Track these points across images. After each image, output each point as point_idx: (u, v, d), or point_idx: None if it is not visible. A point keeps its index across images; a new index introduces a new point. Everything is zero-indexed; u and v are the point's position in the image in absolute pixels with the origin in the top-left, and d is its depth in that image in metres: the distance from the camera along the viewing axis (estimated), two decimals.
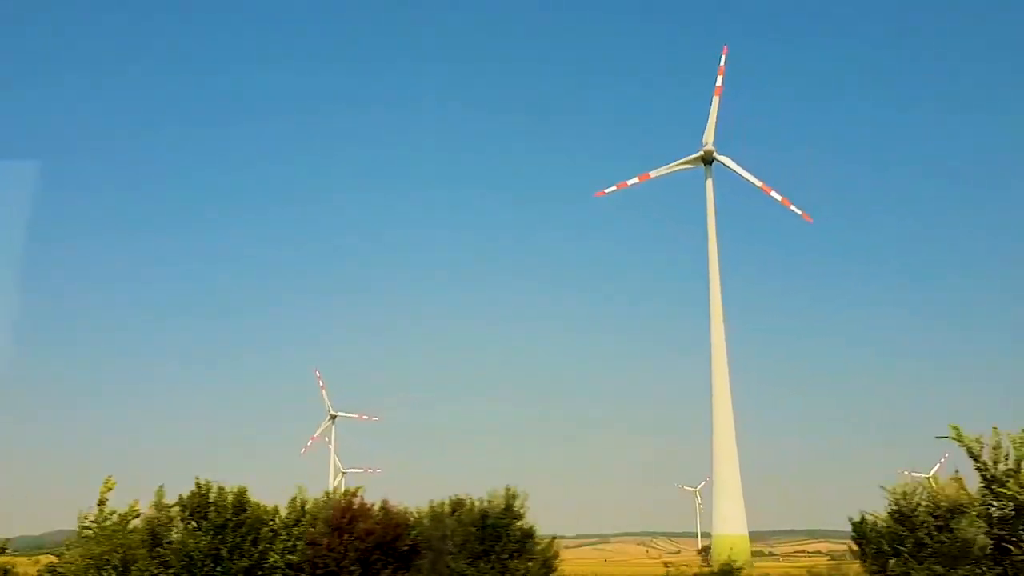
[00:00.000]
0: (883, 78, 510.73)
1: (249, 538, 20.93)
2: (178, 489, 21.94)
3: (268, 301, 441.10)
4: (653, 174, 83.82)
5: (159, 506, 22.09)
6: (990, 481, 23.29)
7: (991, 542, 22.64)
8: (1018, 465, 23.27)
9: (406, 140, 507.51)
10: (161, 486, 22.16)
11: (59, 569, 21.44)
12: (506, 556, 21.42)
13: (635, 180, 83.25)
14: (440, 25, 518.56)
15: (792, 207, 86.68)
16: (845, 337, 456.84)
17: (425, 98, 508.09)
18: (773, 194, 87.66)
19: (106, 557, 20.61)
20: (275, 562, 21.22)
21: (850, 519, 24.56)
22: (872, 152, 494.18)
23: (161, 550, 20.99)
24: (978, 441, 23.73)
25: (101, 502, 22.44)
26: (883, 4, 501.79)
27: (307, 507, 22.58)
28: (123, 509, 22.38)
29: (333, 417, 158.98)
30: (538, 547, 22.02)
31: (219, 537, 20.71)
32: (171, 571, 20.39)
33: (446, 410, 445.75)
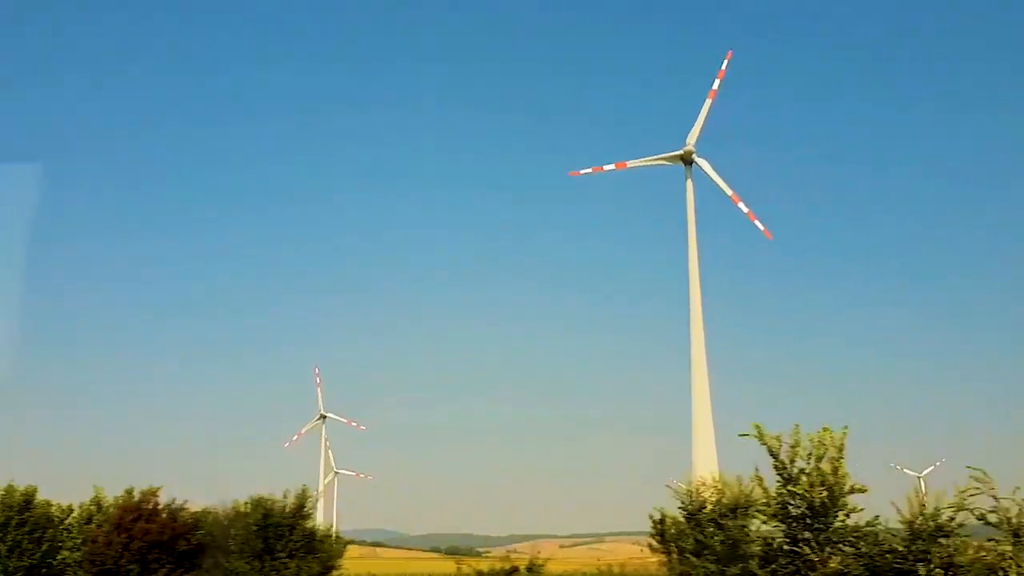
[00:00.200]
0: (883, 78, 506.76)
1: (33, 536, 21.16)
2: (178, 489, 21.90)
3: (268, 301, 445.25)
4: (630, 163, 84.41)
5: None
6: (786, 480, 23.11)
7: (787, 540, 22.48)
8: (817, 463, 23.08)
9: (406, 140, 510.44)
10: None
11: None
12: (286, 555, 21.50)
13: (611, 166, 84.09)
14: (440, 25, 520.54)
15: (756, 221, 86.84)
16: (845, 337, 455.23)
17: (425, 98, 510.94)
18: (740, 205, 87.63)
19: None
20: (64, 559, 21.46)
21: (650, 516, 24.45)
22: (872, 152, 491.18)
23: None
24: (777, 439, 23.50)
25: None
26: (883, 4, 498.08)
27: (106, 506, 22.78)
28: None
29: (323, 417, 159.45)
30: (322, 547, 22.07)
31: None
32: None
33: (445, 410, 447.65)
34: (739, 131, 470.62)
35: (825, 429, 24.88)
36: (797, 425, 25.33)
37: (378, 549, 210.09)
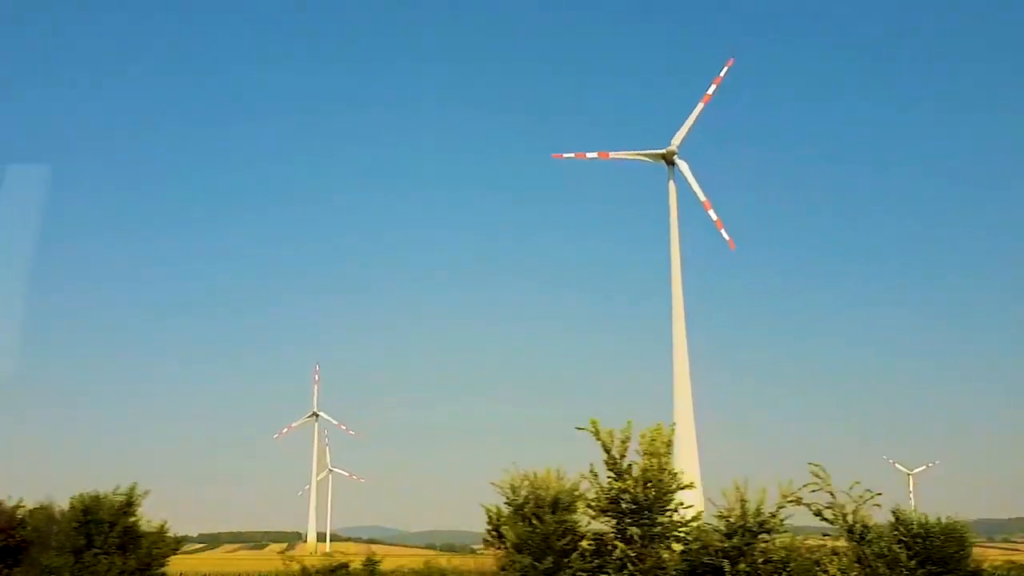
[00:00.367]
0: (883, 78, 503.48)
1: None
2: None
3: (268, 301, 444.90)
4: (612, 155, 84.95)
5: None
6: (617, 476, 23.02)
7: (615, 535, 22.39)
8: (650, 460, 22.97)
9: (406, 140, 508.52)
10: None
11: None
12: (103, 552, 21.58)
13: (594, 155, 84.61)
14: (440, 25, 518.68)
15: (723, 231, 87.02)
16: (845, 337, 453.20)
17: (425, 98, 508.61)
18: (711, 212, 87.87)
19: None
20: None
21: (486, 510, 24.34)
22: (872, 152, 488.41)
23: None
24: (610, 435, 23.41)
25: None
26: (883, 4, 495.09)
27: None
28: None
29: (315, 415, 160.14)
30: (143, 544, 22.11)
31: None
32: None
33: (444, 409, 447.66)
34: (739, 131, 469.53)
35: (658, 426, 24.87)
36: (630, 421, 25.21)
37: (373, 546, 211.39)
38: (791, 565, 21.86)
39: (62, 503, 22.90)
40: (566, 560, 21.75)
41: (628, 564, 21.92)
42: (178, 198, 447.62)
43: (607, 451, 23.25)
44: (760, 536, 22.14)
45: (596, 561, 22.41)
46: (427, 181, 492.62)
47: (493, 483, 23.04)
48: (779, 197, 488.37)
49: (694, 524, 22.65)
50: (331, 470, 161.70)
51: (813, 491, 25.50)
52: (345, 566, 22.91)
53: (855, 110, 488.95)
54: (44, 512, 22.44)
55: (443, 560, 27.39)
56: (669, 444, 23.12)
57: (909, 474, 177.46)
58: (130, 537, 22.01)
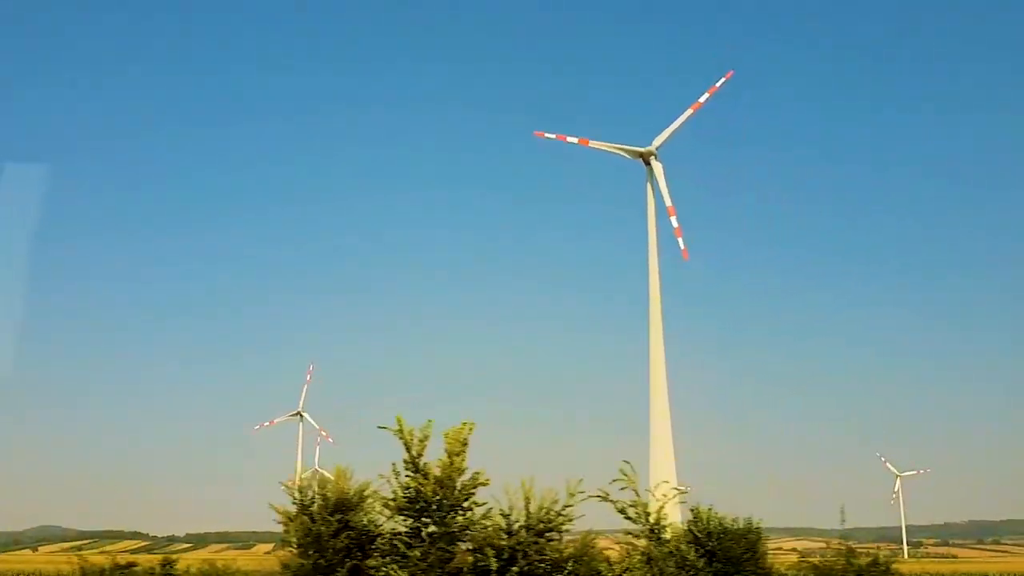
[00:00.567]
0: (883, 78, 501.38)
1: None
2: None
3: (268, 301, 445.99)
4: (592, 143, 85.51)
5: None
6: (416, 474, 23.02)
7: (409, 534, 22.42)
8: (450, 458, 23.01)
9: (406, 140, 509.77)
10: None
11: None
12: None
13: (575, 140, 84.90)
14: (440, 25, 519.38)
15: (680, 239, 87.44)
16: (845, 337, 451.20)
17: (425, 98, 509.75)
18: (672, 219, 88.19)
19: None
20: None
21: (276, 510, 24.30)
22: (872, 152, 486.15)
23: None
24: (410, 433, 23.40)
25: None
26: (883, 4, 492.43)
27: None
28: None
29: (299, 415, 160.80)
30: None
31: None
32: None
33: (445, 410, 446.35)
34: (739, 131, 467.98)
35: (465, 424, 24.90)
36: (430, 420, 25.30)
37: None
38: (571, 564, 21.85)
39: None
40: (351, 560, 21.80)
41: (423, 563, 21.96)
42: (178, 198, 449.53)
43: (408, 449, 23.30)
44: (548, 535, 22.13)
45: (391, 560, 22.46)
46: (427, 181, 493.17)
47: (282, 483, 23.09)
48: (779, 197, 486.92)
49: (486, 523, 22.64)
50: (317, 470, 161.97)
51: (622, 488, 25.63)
52: (132, 565, 22.94)
53: (855, 110, 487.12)
54: None
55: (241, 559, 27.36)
56: (464, 443, 23.13)
57: (898, 476, 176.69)
58: None
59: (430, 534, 22.59)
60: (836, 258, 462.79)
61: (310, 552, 21.68)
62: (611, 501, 24.50)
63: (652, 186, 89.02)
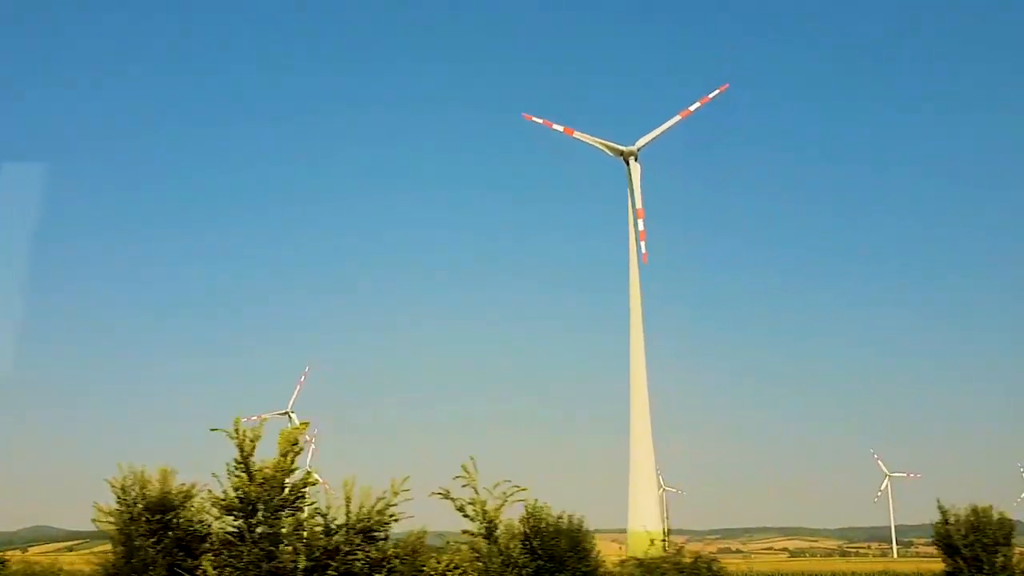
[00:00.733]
0: (883, 78, 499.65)
1: None
2: None
3: (268, 301, 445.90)
4: (576, 134, 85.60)
5: None
6: (247, 474, 22.89)
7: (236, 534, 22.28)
8: (283, 458, 22.87)
9: (406, 140, 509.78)
10: None
11: None
12: None
13: (560, 128, 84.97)
14: (440, 25, 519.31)
15: (642, 242, 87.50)
16: (845, 337, 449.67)
17: (425, 98, 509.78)
18: (639, 222, 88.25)
19: None
20: None
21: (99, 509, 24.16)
22: (872, 152, 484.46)
23: None
24: (243, 434, 23.23)
25: None
26: (883, 4, 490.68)
27: None
28: None
29: (287, 414, 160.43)
30: None
31: None
32: None
33: (445, 410, 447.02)
34: (739, 131, 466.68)
35: (302, 423, 24.78)
36: (264, 418, 25.21)
37: None
38: (397, 563, 21.67)
39: None
40: (169, 559, 21.69)
41: (240, 563, 21.81)
42: (178, 198, 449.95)
43: (241, 450, 23.17)
44: (373, 535, 21.97)
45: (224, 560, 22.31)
46: (427, 181, 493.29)
47: (107, 480, 22.96)
48: (779, 197, 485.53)
49: (312, 523, 22.49)
50: (308, 472, 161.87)
51: (464, 486, 25.45)
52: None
53: (855, 110, 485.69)
54: None
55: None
56: (295, 443, 22.98)
57: (887, 475, 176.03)
58: None
59: (261, 534, 22.51)
60: (836, 258, 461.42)
61: (126, 551, 21.61)
62: (451, 499, 24.39)
63: (630, 185, 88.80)
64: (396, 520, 22.28)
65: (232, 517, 23.03)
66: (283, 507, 22.61)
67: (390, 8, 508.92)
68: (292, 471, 22.91)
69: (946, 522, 21.56)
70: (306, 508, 22.80)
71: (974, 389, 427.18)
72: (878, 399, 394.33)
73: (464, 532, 24.30)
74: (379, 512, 22.01)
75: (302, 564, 20.68)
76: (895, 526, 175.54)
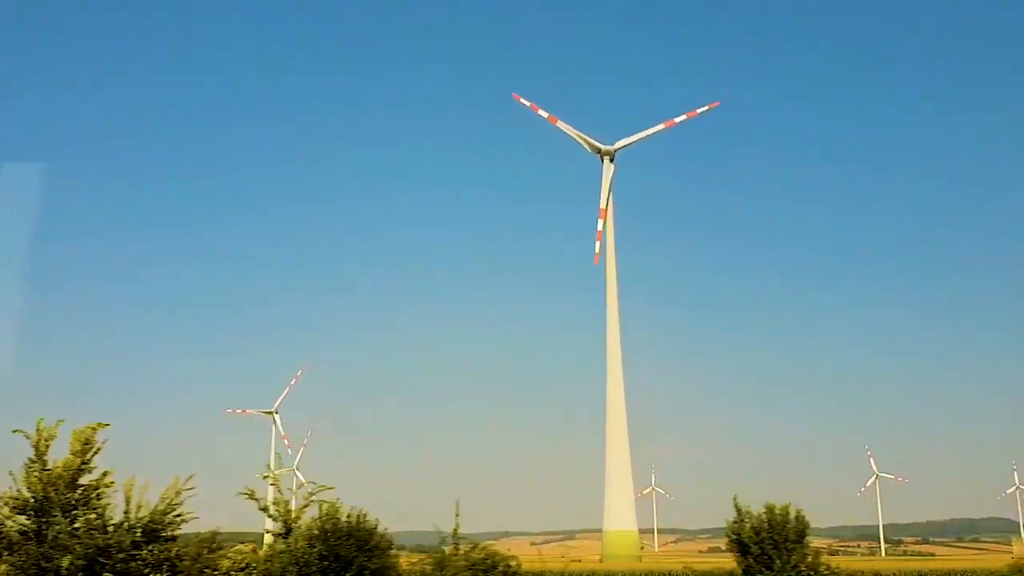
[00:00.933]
0: (883, 78, 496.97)
1: None
2: None
3: (268, 301, 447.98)
4: (560, 124, 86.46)
5: None
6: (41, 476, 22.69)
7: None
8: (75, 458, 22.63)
9: (406, 140, 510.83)
10: None
11: None
12: None
13: (545, 115, 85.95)
14: (440, 25, 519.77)
15: (598, 242, 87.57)
16: (842, 337, 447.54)
17: (425, 98, 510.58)
18: (600, 221, 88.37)
19: None
20: None
21: None
22: (872, 152, 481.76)
23: None
24: (40, 433, 23.02)
25: None
26: (883, 4, 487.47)
27: None
28: None
29: (271, 413, 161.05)
30: None
31: None
32: None
33: (444, 410, 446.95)
34: (739, 131, 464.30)
35: (99, 424, 24.48)
36: (60, 420, 24.92)
37: None
38: (182, 564, 21.37)
39: None
40: None
41: (21, 563, 21.55)
42: (178, 198, 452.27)
43: (37, 451, 22.92)
44: (158, 535, 21.64)
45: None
46: (427, 181, 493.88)
47: None
48: (779, 197, 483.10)
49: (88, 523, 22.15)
50: (295, 471, 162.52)
51: (272, 484, 25.16)
52: None
53: (855, 110, 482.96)
54: None
55: None
56: (87, 443, 22.69)
57: (876, 473, 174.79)
58: None
59: (48, 535, 22.27)
60: (835, 258, 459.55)
61: None
62: (255, 499, 24.08)
63: (610, 184, 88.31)
64: (184, 521, 22.00)
65: (24, 517, 22.98)
66: (75, 507, 22.45)
67: (390, 8, 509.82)
68: (86, 471, 22.68)
69: (740, 520, 21.10)
70: (101, 509, 22.57)
71: (973, 389, 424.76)
72: (875, 399, 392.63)
73: (266, 531, 24.06)
74: (162, 512, 21.75)
75: (66, 563, 20.40)
76: (888, 525, 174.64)
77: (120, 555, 20.80)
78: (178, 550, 21.47)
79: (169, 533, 21.70)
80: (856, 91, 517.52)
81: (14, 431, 23.93)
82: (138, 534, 21.35)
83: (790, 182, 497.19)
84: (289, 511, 23.51)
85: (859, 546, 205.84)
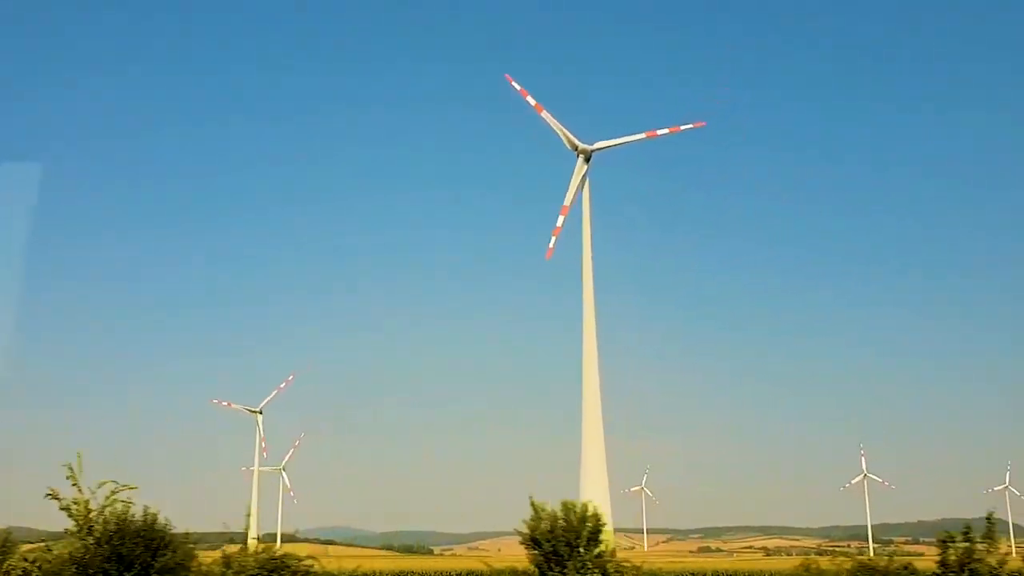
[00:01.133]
0: (883, 78, 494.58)
1: None
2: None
3: (267, 301, 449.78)
4: (544, 113, 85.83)
5: None
6: None
7: None
8: None
9: (406, 140, 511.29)
10: None
11: None
12: None
13: (533, 102, 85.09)
14: (440, 25, 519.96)
15: (554, 239, 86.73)
16: (845, 337, 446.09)
17: (425, 98, 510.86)
18: (560, 218, 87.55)
19: None
20: None
21: None
22: (872, 152, 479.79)
23: None
24: None
25: None
26: (883, 4, 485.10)
27: None
28: None
29: (255, 412, 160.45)
30: None
31: None
32: None
33: (444, 410, 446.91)
34: (739, 131, 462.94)
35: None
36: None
37: (329, 548, 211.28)
38: None
39: None
40: None
41: None
42: (178, 198, 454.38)
43: None
44: None
45: None
46: (427, 181, 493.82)
47: None
48: (779, 197, 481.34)
49: None
50: (283, 470, 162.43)
51: (74, 485, 24.50)
52: None
53: (855, 110, 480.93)
54: None
55: None
56: None
57: (864, 473, 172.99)
58: None
59: None
60: (836, 258, 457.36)
61: None
62: (57, 499, 23.52)
63: (587, 182, 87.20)
64: None
65: None
66: None
67: (390, 8, 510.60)
68: None
69: (537, 519, 20.68)
70: None
71: (971, 389, 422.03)
72: (872, 398, 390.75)
73: (66, 531, 23.55)
74: None
75: None
76: (880, 525, 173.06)
77: None
78: None
79: None
80: (856, 91, 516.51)
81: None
82: None
83: (790, 182, 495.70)
84: (89, 510, 22.96)
85: (849, 546, 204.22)
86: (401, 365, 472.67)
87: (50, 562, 21.53)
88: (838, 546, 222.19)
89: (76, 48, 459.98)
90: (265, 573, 20.85)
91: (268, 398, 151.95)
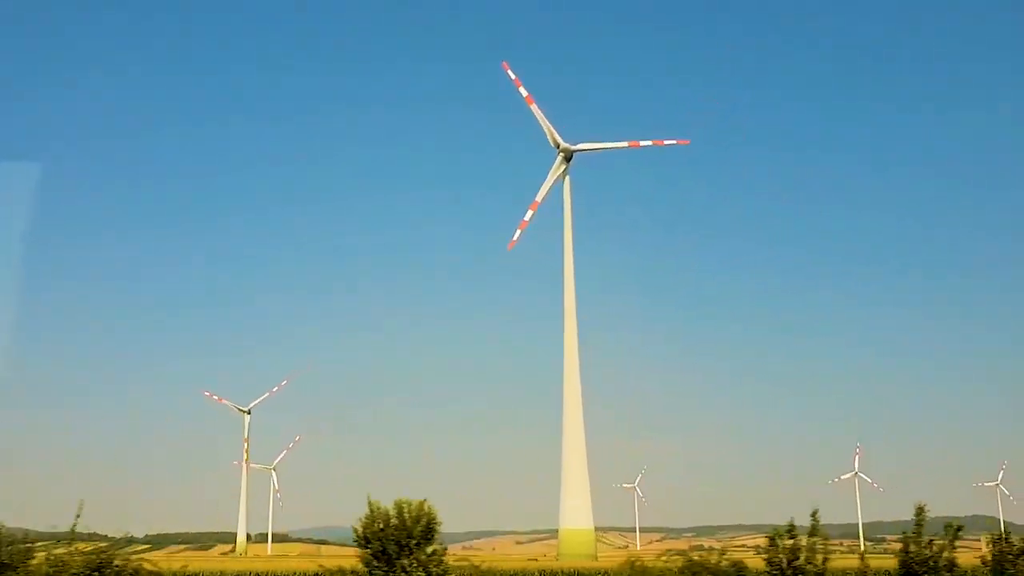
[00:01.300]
0: (883, 78, 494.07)
1: None
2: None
3: (267, 301, 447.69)
4: (534, 107, 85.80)
5: None
6: None
7: None
8: None
9: (406, 140, 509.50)
10: None
11: None
12: None
13: (525, 93, 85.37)
14: (440, 25, 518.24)
15: (519, 231, 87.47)
16: (845, 337, 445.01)
17: (425, 98, 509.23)
18: (529, 212, 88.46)
19: None
20: None
21: None
22: (872, 152, 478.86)
23: None
24: None
25: None
26: (883, 4, 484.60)
27: None
28: None
29: (244, 411, 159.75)
30: None
31: None
32: None
33: (444, 410, 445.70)
34: (739, 131, 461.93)
35: None
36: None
37: (321, 547, 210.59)
38: None
39: None
40: None
41: None
42: (177, 198, 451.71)
43: None
44: None
45: None
46: (427, 181, 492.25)
47: None
48: (779, 197, 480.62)
49: None
50: (273, 470, 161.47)
51: None
52: None
53: (855, 110, 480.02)
54: None
55: None
56: None
57: (855, 472, 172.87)
58: None
59: None
60: (836, 258, 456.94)
61: None
62: None
63: (568, 181, 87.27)
64: None
65: None
66: None
67: (390, 8, 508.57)
68: None
69: (372, 518, 21.04)
70: None
71: (970, 388, 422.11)
72: (870, 398, 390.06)
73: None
74: None
75: None
76: (873, 523, 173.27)
77: None
78: None
79: None
80: (856, 91, 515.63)
81: None
82: None
83: (790, 182, 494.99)
84: None
85: (842, 544, 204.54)
86: (401, 365, 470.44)
87: None
88: (830, 544, 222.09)
89: (76, 48, 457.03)
90: (88, 572, 20.74)
91: (258, 399, 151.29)
